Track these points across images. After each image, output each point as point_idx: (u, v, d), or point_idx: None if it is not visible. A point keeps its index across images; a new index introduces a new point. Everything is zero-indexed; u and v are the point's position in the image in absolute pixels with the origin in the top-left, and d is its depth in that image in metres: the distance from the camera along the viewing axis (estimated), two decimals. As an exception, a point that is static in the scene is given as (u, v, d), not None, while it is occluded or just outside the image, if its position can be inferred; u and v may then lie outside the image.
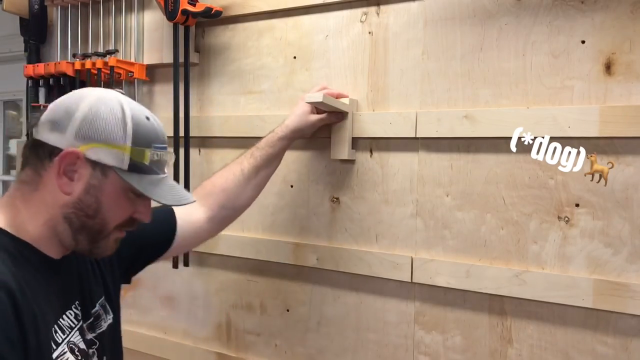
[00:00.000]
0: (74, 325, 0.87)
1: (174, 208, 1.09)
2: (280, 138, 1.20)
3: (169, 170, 0.90)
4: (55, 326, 0.83)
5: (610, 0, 1.02)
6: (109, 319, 0.97)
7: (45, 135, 0.81)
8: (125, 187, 0.83)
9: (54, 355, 0.80)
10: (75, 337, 0.87)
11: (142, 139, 0.83)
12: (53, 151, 0.80)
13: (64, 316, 0.86)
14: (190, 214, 1.12)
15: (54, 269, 0.86)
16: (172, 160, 0.91)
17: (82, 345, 0.88)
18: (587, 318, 1.05)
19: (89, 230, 0.84)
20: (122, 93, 0.86)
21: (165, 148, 0.87)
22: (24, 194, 0.83)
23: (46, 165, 0.81)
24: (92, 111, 0.80)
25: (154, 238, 1.08)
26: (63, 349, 0.83)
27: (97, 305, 0.95)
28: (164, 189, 0.86)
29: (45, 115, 0.82)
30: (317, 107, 1.23)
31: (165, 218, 1.09)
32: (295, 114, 1.22)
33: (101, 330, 0.94)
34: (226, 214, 1.18)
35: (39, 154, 0.82)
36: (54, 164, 0.80)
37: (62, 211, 0.82)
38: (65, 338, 0.84)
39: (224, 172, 1.19)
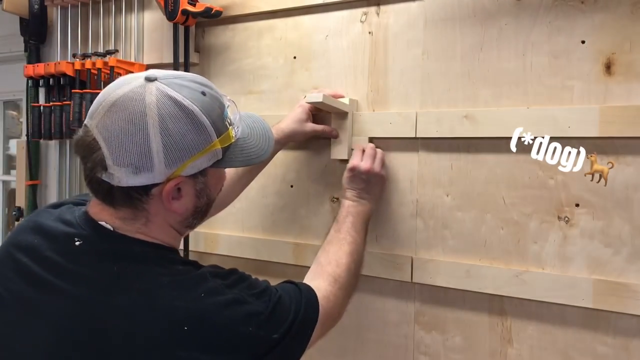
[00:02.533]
0: None
1: None
2: (276, 142, 1.20)
3: (236, 116, 0.88)
4: None
5: (610, 0, 1.02)
6: None
7: (130, 180, 0.76)
8: (222, 168, 0.86)
9: None
10: None
11: (220, 122, 0.81)
12: (147, 188, 0.77)
13: None
14: None
15: None
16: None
17: None
18: (587, 318, 1.05)
19: (204, 217, 0.89)
20: (150, 79, 0.77)
21: (226, 105, 0.84)
22: (137, 227, 0.81)
23: (145, 200, 0.79)
24: (166, 134, 0.75)
25: None
26: None
27: None
28: (250, 148, 0.88)
29: (112, 161, 0.75)
30: (313, 113, 1.25)
31: None
32: (291, 119, 1.23)
33: None
34: (211, 213, 1.20)
35: (130, 195, 0.78)
36: (155, 196, 0.79)
37: (184, 224, 0.85)
38: None
39: None
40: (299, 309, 0.86)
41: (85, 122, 0.79)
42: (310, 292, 0.92)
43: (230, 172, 1.18)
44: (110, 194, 0.78)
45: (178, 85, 0.78)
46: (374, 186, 1.17)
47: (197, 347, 0.73)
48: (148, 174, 0.75)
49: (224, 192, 1.17)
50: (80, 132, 0.79)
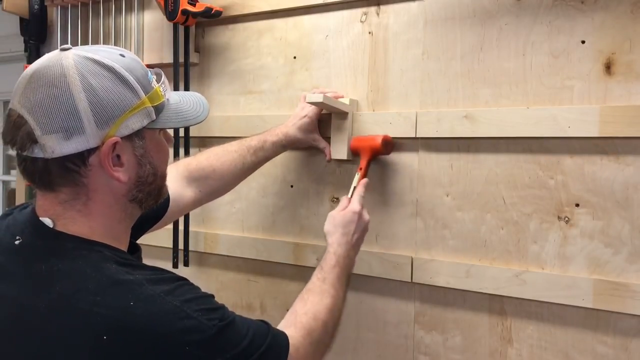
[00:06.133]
0: None
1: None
2: (283, 146, 1.25)
3: (167, 85, 0.86)
4: None
5: (610, 0, 1.02)
6: None
7: (64, 147, 0.72)
8: (158, 133, 0.82)
9: None
10: None
11: (145, 80, 0.78)
12: (83, 155, 0.74)
13: None
14: (180, 196, 1.11)
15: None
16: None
17: None
18: (587, 318, 1.05)
19: (155, 192, 0.83)
20: (64, 49, 0.76)
21: (151, 70, 0.82)
22: (78, 210, 0.77)
23: (83, 172, 0.75)
24: (90, 92, 0.72)
25: (147, 218, 1.05)
26: None
27: None
28: (185, 112, 0.85)
29: (40, 130, 0.71)
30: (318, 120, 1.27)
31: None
32: (299, 127, 1.24)
33: None
34: (211, 199, 1.22)
35: (67, 168, 0.74)
36: (94, 166, 0.74)
37: (127, 198, 0.79)
38: None
39: (224, 159, 1.20)
40: (258, 343, 0.77)
41: (9, 106, 0.76)
42: (280, 337, 0.83)
43: (237, 164, 1.19)
44: (46, 172, 0.74)
45: (94, 49, 0.77)
46: (363, 232, 1.11)
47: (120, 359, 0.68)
48: (80, 137, 0.72)
49: (226, 175, 1.19)
50: (5, 116, 0.76)
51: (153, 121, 0.78)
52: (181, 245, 1.49)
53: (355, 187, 1.15)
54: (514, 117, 1.08)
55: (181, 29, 1.44)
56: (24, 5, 1.69)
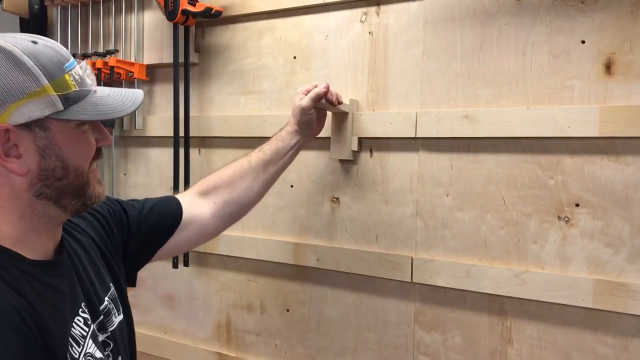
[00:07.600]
0: (86, 334, 0.79)
1: (181, 201, 1.07)
2: (288, 132, 1.15)
3: (93, 78, 0.80)
4: (70, 340, 0.76)
5: (610, 0, 1.02)
6: (120, 314, 0.89)
7: None
8: (74, 125, 0.75)
9: None
10: (91, 347, 0.79)
11: (53, 67, 0.72)
12: None
13: (75, 325, 0.78)
14: (195, 207, 1.08)
15: (49, 273, 0.77)
16: (89, 67, 0.80)
17: (99, 354, 0.81)
18: (587, 318, 1.05)
19: (70, 190, 0.76)
20: None
21: (74, 62, 0.76)
22: None
23: None
24: None
25: (159, 225, 1.02)
26: None
27: (106, 299, 0.87)
28: (108, 105, 0.77)
29: None
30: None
31: (170, 206, 1.06)
32: (303, 98, 1.15)
33: (112, 327, 0.86)
34: (231, 210, 1.12)
35: None
36: None
37: (31, 193, 0.73)
38: (80, 351, 0.77)
39: (231, 165, 1.15)
40: None
41: None
42: None
43: (243, 164, 1.13)
44: None
45: (7, 35, 0.72)
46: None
47: None
48: None
49: (234, 179, 1.12)
50: None
51: (60, 112, 0.72)
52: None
53: None
54: (514, 117, 1.08)
55: (181, 29, 1.44)
56: (24, 5, 1.69)
